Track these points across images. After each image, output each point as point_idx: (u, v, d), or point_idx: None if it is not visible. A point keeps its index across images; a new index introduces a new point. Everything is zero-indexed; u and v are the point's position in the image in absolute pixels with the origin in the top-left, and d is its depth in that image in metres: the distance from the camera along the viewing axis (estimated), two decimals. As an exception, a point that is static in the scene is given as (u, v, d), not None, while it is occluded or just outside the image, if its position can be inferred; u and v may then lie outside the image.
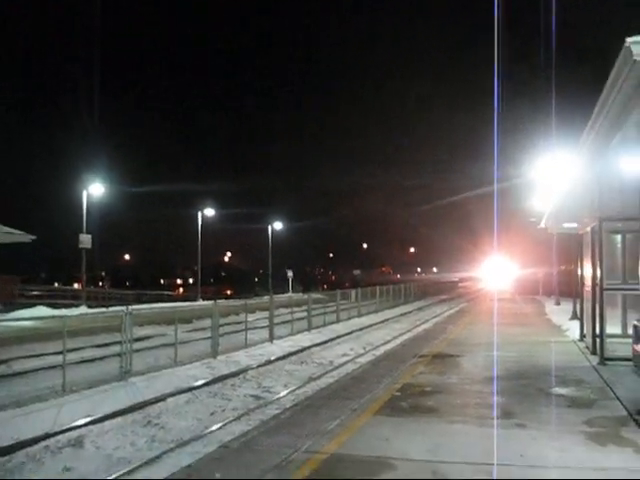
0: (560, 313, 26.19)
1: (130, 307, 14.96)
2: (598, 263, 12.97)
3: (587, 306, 15.07)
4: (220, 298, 39.58)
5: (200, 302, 37.71)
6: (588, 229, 14.35)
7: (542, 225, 19.89)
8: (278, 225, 63.94)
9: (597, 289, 13.07)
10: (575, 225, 16.59)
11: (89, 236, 35.18)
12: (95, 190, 36.84)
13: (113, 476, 7.46)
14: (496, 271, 64.06)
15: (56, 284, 77.04)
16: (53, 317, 18.74)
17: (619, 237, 14.64)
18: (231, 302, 28.06)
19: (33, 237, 26.97)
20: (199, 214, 50.43)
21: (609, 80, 5.59)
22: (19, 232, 26.05)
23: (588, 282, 14.58)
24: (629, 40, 4.81)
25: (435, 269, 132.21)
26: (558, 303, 32.94)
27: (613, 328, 13.70)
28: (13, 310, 28.67)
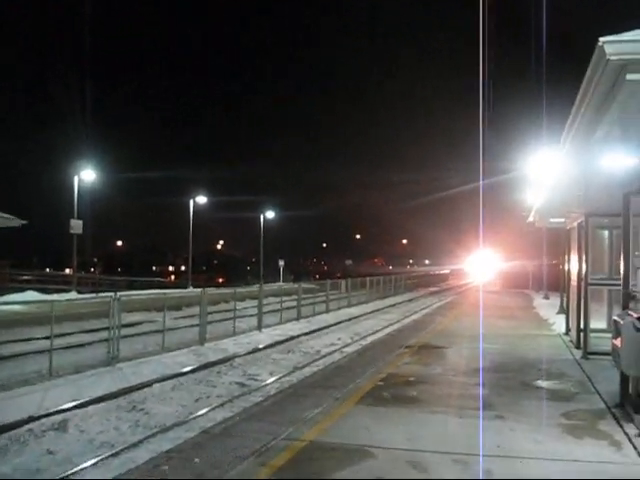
0: (548, 307, 26.35)
1: (118, 293, 15.02)
2: (584, 258, 13.08)
3: (573, 300, 15.19)
4: (212, 286, 39.77)
5: (190, 289, 37.74)
6: (575, 224, 14.46)
7: (530, 219, 20.02)
8: (270, 214, 63.89)
9: (582, 284, 13.19)
10: (562, 220, 16.70)
11: (80, 222, 35.12)
12: (87, 176, 36.76)
13: (94, 460, 7.52)
14: (485, 264, 63.84)
15: (47, 269, 76.95)
16: (42, 302, 18.79)
17: (606, 233, 14.75)
18: (221, 290, 28.14)
19: (24, 222, 26.82)
20: (191, 202, 50.35)
21: (585, 79, 5.66)
22: (9, 216, 25.91)
23: (574, 277, 14.70)
24: (602, 40, 4.88)
25: (427, 261, 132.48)
26: (547, 297, 33.11)
27: (599, 323, 13.82)
28: (3, 294, 28.68)
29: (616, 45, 4.88)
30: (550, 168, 12.38)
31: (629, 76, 5.02)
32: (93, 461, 7.51)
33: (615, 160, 8.81)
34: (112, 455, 7.73)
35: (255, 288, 27.50)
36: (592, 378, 10.56)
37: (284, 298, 26.07)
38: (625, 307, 8.75)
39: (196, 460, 6.17)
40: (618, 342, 7.98)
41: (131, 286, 51.59)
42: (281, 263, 56.08)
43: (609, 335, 12.32)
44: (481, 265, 64.52)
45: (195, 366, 13.86)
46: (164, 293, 20.44)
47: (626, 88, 5.24)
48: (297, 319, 25.27)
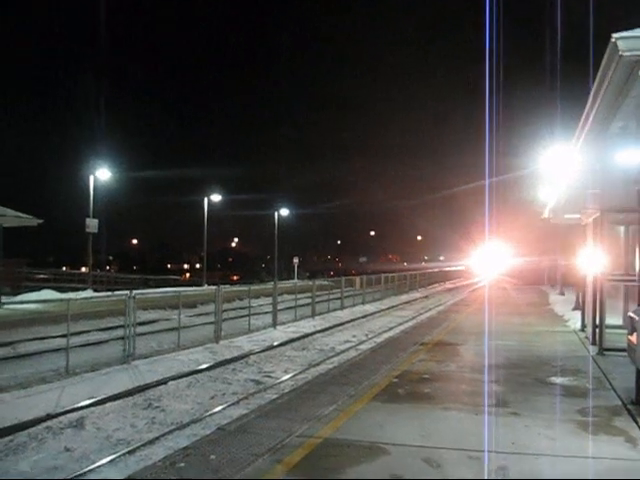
0: (563, 303, 26.21)
1: (134, 291, 15.11)
2: (599, 254, 13.01)
3: (588, 297, 15.12)
4: (226, 283, 39.84)
5: (205, 287, 37.87)
6: (590, 220, 14.39)
7: (545, 216, 19.92)
8: (285, 212, 63.94)
9: (598, 280, 13.12)
10: (578, 216, 16.61)
11: (96, 220, 35.34)
12: (102, 175, 36.98)
13: (111, 457, 7.59)
14: (499, 260, 62.97)
15: (64, 268, 77.51)
16: (59, 300, 18.91)
17: (622, 228, 14.67)
18: (235, 287, 28.18)
19: (40, 221, 27.13)
20: (205, 200, 50.50)
21: (599, 74, 5.64)
22: (27, 216, 26.21)
23: (590, 273, 14.62)
24: (615, 36, 4.86)
25: (442, 257, 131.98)
26: (562, 293, 32.91)
27: (614, 319, 13.75)
28: (20, 293, 28.95)
29: (629, 41, 4.87)
30: (565, 164, 12.33)
31: (643, 72, 5.01)
32: (110, 458, 7.58)
33: (631, 155, 8.78)
34: (128, 452, 7.80)
35: (269, 285, 27.54)
36: (608, 374, 10.51)
37: (299, 295, 26.11)
38: (641, 303, 8.71)
39: (212, 457, 6.21)
40: (634, 338, 7.95)
41: (146, 284, 51.92)
42: (295, 260, 56.14)
43: (625, 331, 12.30)
44: (494, 261, 63.25)
45: (210, 363, 13.93)
46: (179, 291, 20.48)
47: (640, 84, 5.24)
48: (312, 316, 25.31)
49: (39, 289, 30.57)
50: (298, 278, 52.57)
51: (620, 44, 4.86)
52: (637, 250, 11.67)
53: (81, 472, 7.17)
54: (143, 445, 8.09)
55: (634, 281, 12.46)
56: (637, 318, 7.86)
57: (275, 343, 17.47)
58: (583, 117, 7.27)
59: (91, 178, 36.19)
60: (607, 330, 12.94)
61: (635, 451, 6.42)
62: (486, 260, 62.64)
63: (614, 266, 13.69)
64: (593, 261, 13.80)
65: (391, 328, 22.10)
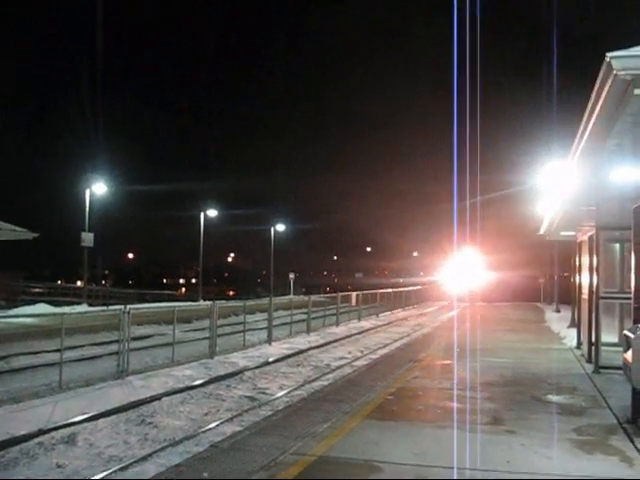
0: (559, 320, 26.23)
1: (128, 306, 15.03)
2: (595, 271, 13.01)
3: (584, 314, 15.11)
4: (222, 299, 39.78)
5: (201, 302, 37.79)
6: (586, 237, 14.40)
7: (541, 232, 19.96)
8: (281, 227, 63.95)
9: (593, 297, 13.12)
10: (573, 233, 16.64)
11: (91, 234, 35.31)
12: (98, 189, 37.00)
13: (103, 474, 7.52)
14: (487, 275, 57.47)
15: (59, 282, 77.33)
16: (53, 315, 18.85)
17: (617, 246, 14.67)
18: (231, 303, 28.14)
19: (35, 235, 26.99)
20: (202, 215, 50.52)
21: (593, 92, 5.67)
22: (22, 230, 26.09)
23: (585, 290, 14.62)
24: (609, 55, 4.89)
25: (436, 273, 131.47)
26: (558, 310, 32.94)
27: (610, 337, 13.71)
28: (16, 306, 28.89)
29: (624, 60, 4.89)
30: (561, 181, 12.35)
31: (637, 91, 5.02)
32: (101, 475, 7.50)
33: (626, 173, 8.80)
34: (120, 469, 7.72)
35: (265, 301, 27.45)
36: (603, 393, 10.49)
37: (294, 311, 26.05)
38: (636, 321, 8.70)
39: (205, 475, 6.17)
40: (629, 356, 7.93)
41: (142, 299, 51.77)
42: (291, 276, 56.11)
43: (621, 349, 12.27)
44: (481, 276, 55.65)
45: (205, 379, 13.85)
46: (173, 306, 20.42)
47: (634, 103, 5.24)
48: (307, 332, 25.22)
49: (34, 303, 30.52)
50: (294, 293, 52.49)
51: (614, 63, 4.88)
52: (632, 267, 11.66)
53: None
54: (135, 462, 8.00)
55: (629, 299, 12.44)
56: (632, 336, 7.84)
57: (270, 359, 17.38)
58: (578, 135, 7.30)
59: (87, 192, 36.20)
60: (603, 348, 12.92)
61: (631, 470, 6.39)
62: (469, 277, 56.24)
63: (609, 283, 13.68)
64: (588, 278, 13.80)
65: (386, 345, 22.02)
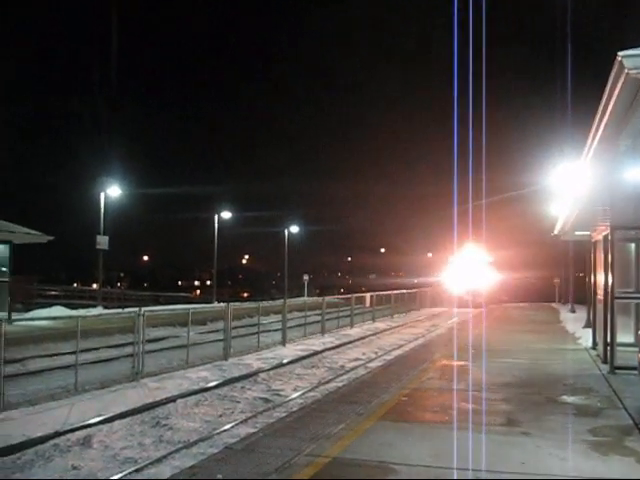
0: (574, 321, 26.03)
1: (143, 309, 15.11)
2: (610, 271, 12.93)
3: (599, 314, 15.00)
4: (236, 300, 39.84)
5: (215, 304, 37.88)
6: (600, 237, 14.31)
7: (555, 232, 19.85)
8: (295, 229, 63.95)
9: (608, 297, 13.03)
10: (588, 233, 16.54)
11: (106, 237, 35.48)
12: (113, 192, 37.19)
13: (118, 475, 7.56)
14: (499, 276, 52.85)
15: (75, 284, 77.73)
16: (69, 317, 18.98)
17: (632, 245, 14.57)
18: (245, 305, 28.20)
19: (50, 238, 27.30)
20: (216, 217, 50.63)
21: (605, 92, 5.63)
22: (37, 233, 26.40)
23: (600, 290, 14.52)
24: (620, 54, 4.85)
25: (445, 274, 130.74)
26: (573, 311, 32.70)
27: (626, 337, 13.62)
28: (31, 309, 29.07)
29: (635, 59, 4.85)
30: (574, 181, 12.29)
31: (649, 90, 4.99)
32: (117, 477, 7.55)
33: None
34: (135, 471, 7.77)
35: (279, 302, 27.50)
36: (619, 393, 10.41)
37: (308, 312, 26.07)
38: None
39: (219, 476, 6.19)
40: (644, 357, 7.88)
41: (156, 301, 51.96)
42: (305, 278, 56.06)
43: (637, 349, 12.19)
44: (494, 277, 51.00)
45: (219, 381, 13.89)
46: (188, 308, 20.49)
47: (647, 102, 5.21)
48: (321, 333, 25.24)
49: (50, 305, 30.71)
50: (308, 295, 52.47)
51: (626, 62, 4.85)
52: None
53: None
54: (150, 464, 8.05)
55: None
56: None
57: (284, 361, 17.41)
58: (590, 135, 7.25)
59: (102, 195, 36.39)
60: (619, 348, 12.83)
61: (647, 472, 6.34)
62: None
63: (625, 283, 13.59)
64: (603, 278, 13.72)
65: (401, 346, 21.99)
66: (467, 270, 47.81)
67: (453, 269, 49.45)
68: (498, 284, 51.68)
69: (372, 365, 16.79)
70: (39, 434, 9.22)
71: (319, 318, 26.55)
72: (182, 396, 12.22)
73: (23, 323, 22.39)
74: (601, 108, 6.09)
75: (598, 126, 6.59)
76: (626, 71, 4.89)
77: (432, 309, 45.75)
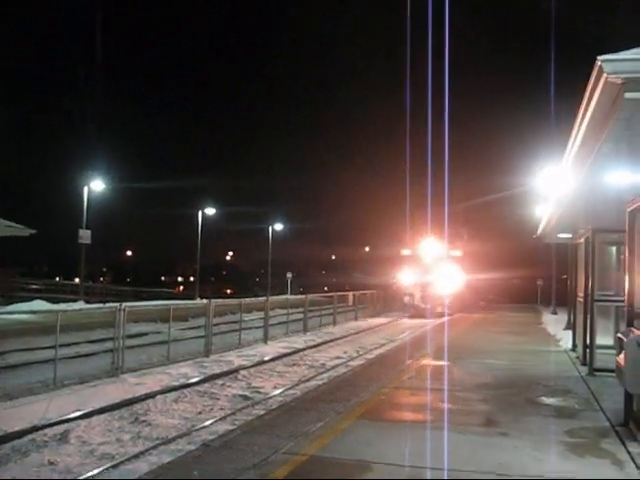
0: (556, 323, 26.23)
1: (124, 304, 15.03)
2: (590, 274, 13.01)
3: (579, 316, 15.11)
4: (219, 297, 39.69)
5: (197, 300, 37.78)
6: (582, 240, 14.40)
7: (538, 234, 19.98)
8: (279, 226, 63.92)
9: (588, 300, 13.12)
10: (570, 235, 16.65)
11: (89, 231, 35.30)
12: (96, 186, 37.00)
13: (95, 471, 7.52)
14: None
15: (57, 279, 77.28)
16: (49, 311, 18.86)
17: (613, 249, 14.68)
18: (227, 301, 28.03)
19: (33, 231, 27.01)
20: (199, 213, 50.52)
21: (585, 96, 5.67)
22: (18, 226, 26.11)
23: (581, 292, 14.62)
24: (600, 58, 4.89)
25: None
26: (555, 312, 32.96)
27: (605, 339, 13.72)
28: (12, 303, 28.84)
29: (614, 64, 4.88)
30: (557, 184, 12.36)
31: (628, 95, 5.01)
32: (93, 472, 7.50)
33: (621, 176, 8.80)
34: (112, 466, 7.73)
35: (262, 299, 27.48)
36: (597, 395, 10.49)
37: (291, 310, 26.07)
38: (629, 324, 8.69)
39: (195, 473, 6.17)
40: (621, 359, 7.93)
41: (138, 296, 51.74)
42: (289, 275, 56.07)
43: (615, 352, 12.28)
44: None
45: (199, 378, 13.86)
46: (169, 304, 20.42)
47: (626, 107, 5.24)
48: (303, 331, 25.26)
49: (31, 299, 30.49)
50: (291, 293, 52.46)
51: (605, 66, 4.87)
52: (626, 271, 11.67)
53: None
54: (127, 459, 8.00)
55: (623, 301, 12.45)
56: (625, 339, 7.84)
57: (266, 358, 17.39)
58: (571, 139, 7.31)
59: (85, 189, 36.20)
60: (598, 350, 12.93)
61: (622, 474, 6.38)
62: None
63: (605, 286, 13.69)
64: (584, 281, 13.81)
65: (383, 345, 22.03)
66: (425, 268, 38.34)
67: (409, 266, 39.16)
68: (472, 287, 43.01)
69: (353, 364, 16.77)
70: (16, 428, 9.15)
71: (302, 316, 26.55)
72: (162, 392, 12.18)
73: (3, 316, 22.21)
74: (581, 112, 6.14)
75: (578, 130, 6.64)
76: (605, 76, 4.92)
77: (373, 319, 35.52)
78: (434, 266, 38.23)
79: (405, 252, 40.30)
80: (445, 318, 31.92)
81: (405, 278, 39.12)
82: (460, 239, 40.67)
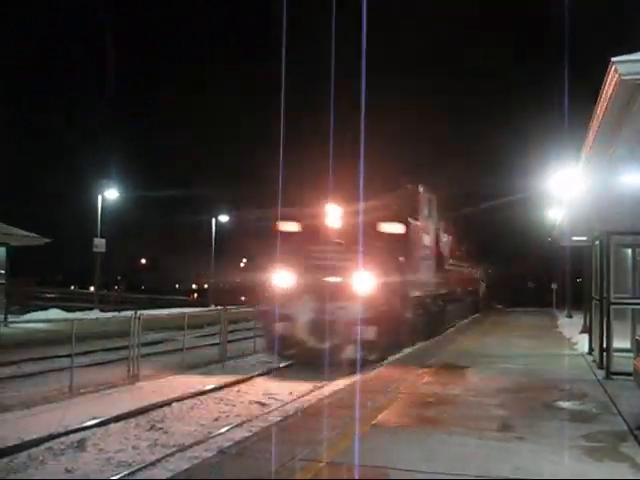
0: (571, 326, 26.01)
1: (139, 312, 15.08)
2: (606, 277, 12.94)
3: (596, 319, 15.02)
4: (235, 304, 39.73)
5: (212, 307, 37.88)
6: (597, 242, 14.33)
7: (553, 237, 19.88)
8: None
9: (605, 303, 13.04)
10: (585, 238, 16.56)
11: (103, 240, 35.51)
12: (110, 195, 37.23)
13: (113, 478, 7.54)
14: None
15: (72, 287, 77.69)
16: (65, 320, 18.98)
17: (629, 251, 14.61)
18: (242, 308, 28.07)
19: (48, 240, 27.33)
20: (213, 220, 50.69)
21: (599, 98, 5.64)
22: (34, 235, 26.42)
23: (597, 296, 14.54)
24: (614, 59, 4.86)
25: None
26: (570, 315, 32.69)
27: (622, 342, 13.66)
28: (28, 312, 29.08)
29: (629, 65, 4.86)
30: (571, 187, 12.31)
31: (643, 96, 4.99)
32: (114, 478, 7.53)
33: (637, 178, 8.76)
34: (129, 474, 7.74)
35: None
36: (614, 399, 10.41)
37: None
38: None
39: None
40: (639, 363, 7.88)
41: (154, 304, 51.92)
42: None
43: (633, 355, 12.21)
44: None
45: (215, 385, 13.86)
46: (184, 312, 20.50)
47: (641, 108, 5.22)
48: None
49: (47, 308, 30.68)
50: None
51: (619, 68, 4.85)
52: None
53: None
54: (144, 467, 8.01)
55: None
56: (643, 342, 7.79)
57: (282, 364, 17.36)
58: (586, 141, 7.27)
59: (99, 198, 36.44)
60: (615, 354, 12.86)
61: (640, 477, 6.34)
62: None
63: (621, 289, 13.61)
64: (600, 283, 13.73)
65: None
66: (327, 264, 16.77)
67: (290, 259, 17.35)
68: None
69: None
70: (33, 437, 9.17)
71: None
72: (177, 400, 12.16)
73: (19, 325, 22.39)
74: (595, 114, 6.10)
75: (593, 132, 6.60)
76: (620, 77, 4.89)
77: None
78: (347, 258, 16.57)
79: (286, 226, 18.13)
80: (358, 376, 13.66)
81: (280, 282, 17.40)
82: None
